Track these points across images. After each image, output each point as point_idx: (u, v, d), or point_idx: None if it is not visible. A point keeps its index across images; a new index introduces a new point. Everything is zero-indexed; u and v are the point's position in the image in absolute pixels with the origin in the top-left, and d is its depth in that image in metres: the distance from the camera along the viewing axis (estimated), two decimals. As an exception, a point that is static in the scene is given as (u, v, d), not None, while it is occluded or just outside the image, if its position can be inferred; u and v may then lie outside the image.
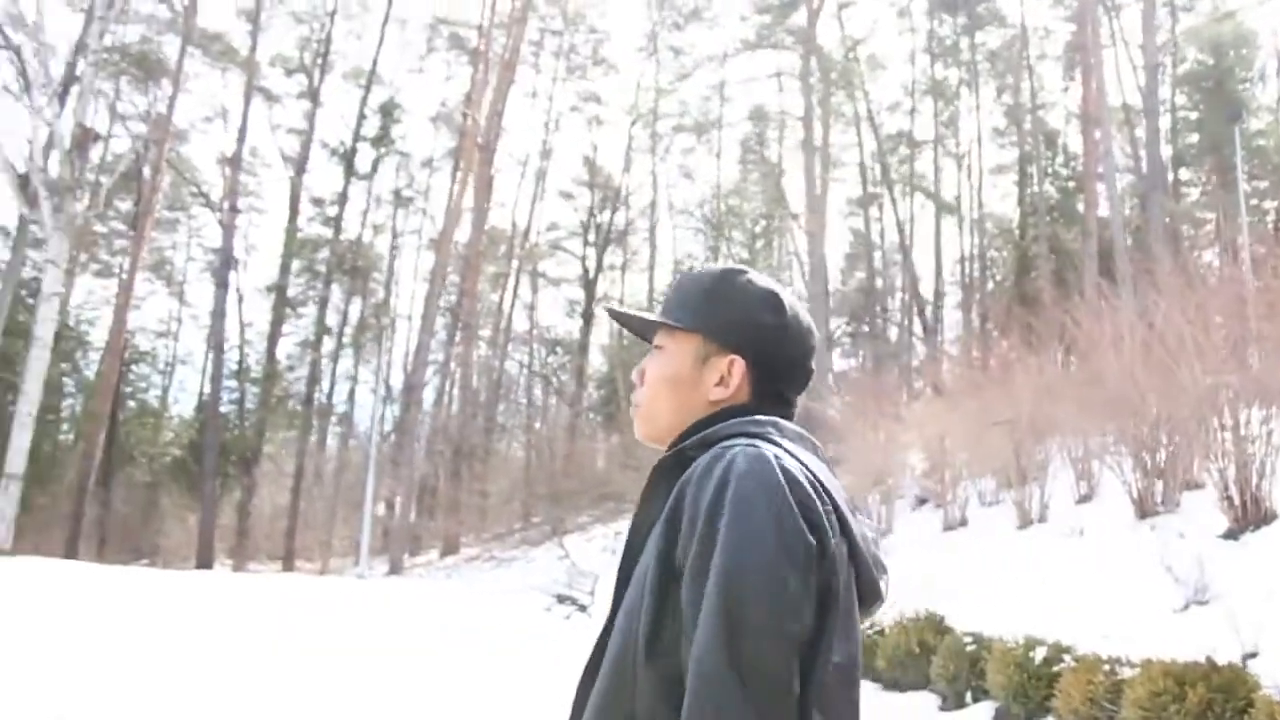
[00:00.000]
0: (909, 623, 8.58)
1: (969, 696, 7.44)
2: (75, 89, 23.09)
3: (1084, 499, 13.45)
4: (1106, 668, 6.11)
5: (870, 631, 9.27)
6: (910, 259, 38.47)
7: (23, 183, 22.92)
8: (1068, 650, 6.72)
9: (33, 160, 22.16)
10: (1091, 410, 13.32)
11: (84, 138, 23.20)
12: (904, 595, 11.31)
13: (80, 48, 22.99)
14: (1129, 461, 11.72)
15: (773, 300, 1.56)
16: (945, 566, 12.75)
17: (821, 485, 1.38)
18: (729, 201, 42.38)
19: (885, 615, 9.48)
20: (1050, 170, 38.06)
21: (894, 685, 8.47)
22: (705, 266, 1.68)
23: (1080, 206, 34.27)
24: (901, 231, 38.82)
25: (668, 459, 1.46)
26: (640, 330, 1.68)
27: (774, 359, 1.55)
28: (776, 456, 1.34)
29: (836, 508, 1.37)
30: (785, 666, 1.25)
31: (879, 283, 41.40)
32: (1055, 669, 6.58)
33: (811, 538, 1.30)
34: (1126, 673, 5.93)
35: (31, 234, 26.71)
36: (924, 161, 41.12)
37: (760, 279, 1.59)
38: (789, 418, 1.54)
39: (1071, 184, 37.20)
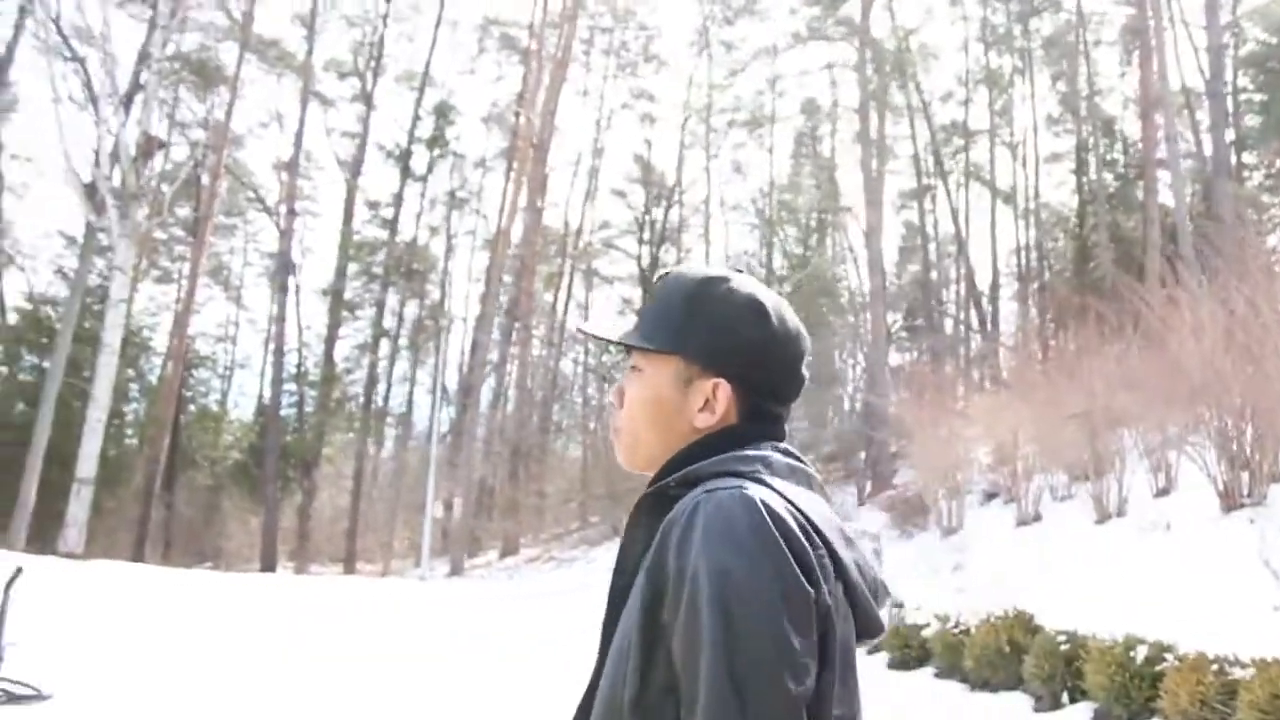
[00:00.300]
0: (997, 621, 8.41)
1: (1065, 697, 7.27)
2: (139, 98, 23.43)
3: (1162, 492, 13.12)
4: (1215, 667, 5.94)
5: (955, 631, 9.14)
6: (966, 251, 37.99)
7: (89, 191, 23.31)
8: (1169, 649, 6.55)
9: (99, 168, 22.52)
10: (1168, 400, 13.02)
11: (149, 146, 23.53)
12: (982, 593, 11.18)
13: (144, 57, 23.32)
14: (1212, 453, 11.44)
15: (757, 309, 1.43)
16: (1021, 563, 12.55)
17: (813, 525, 1.26)
18: (782, 196, 42.13)
19: (968, 614, 9.34)
20: (1108, 158, 37.40)
21: (983, 685, 8.32)
22: (682, 271, 1.50)
23: (1140, 194, 33.63)
24: (957, 223, 38.35)
25: (649, 497, 1.35)
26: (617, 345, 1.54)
27: (762, 374, 1.43)
28: (764, 502, 1.22)
29: (829, 547, 1.27)
30: None
31: (933, 276, 40.89)
32: (1158, 669, 6.41)
33: (810, 588, 1.20)
34: (1238, 673, 5.76)
35: (96, 241, 27.21)
36: (978, 151, 40.64)
37: (743, 285, 1.45)
38: (780, 435, 1.43)
39: (1131, 171, 36.53)
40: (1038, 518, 15.05)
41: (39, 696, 6.78)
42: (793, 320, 1.46)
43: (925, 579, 13.23)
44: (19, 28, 26.39)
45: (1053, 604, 8.95)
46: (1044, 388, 17.02)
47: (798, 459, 1.39)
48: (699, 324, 1.41)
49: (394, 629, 13.82)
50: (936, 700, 8.46)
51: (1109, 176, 36.78)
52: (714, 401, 1.39)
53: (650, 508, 1.33)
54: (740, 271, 1.50)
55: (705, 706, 1.16)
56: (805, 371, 1.48)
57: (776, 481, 1.30)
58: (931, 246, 41.19)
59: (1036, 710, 7.51)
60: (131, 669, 8.86)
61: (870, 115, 31.90)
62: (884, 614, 1.35)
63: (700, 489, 1.27)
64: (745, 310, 1.42)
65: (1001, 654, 8.12)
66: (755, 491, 1.24)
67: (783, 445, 1.40)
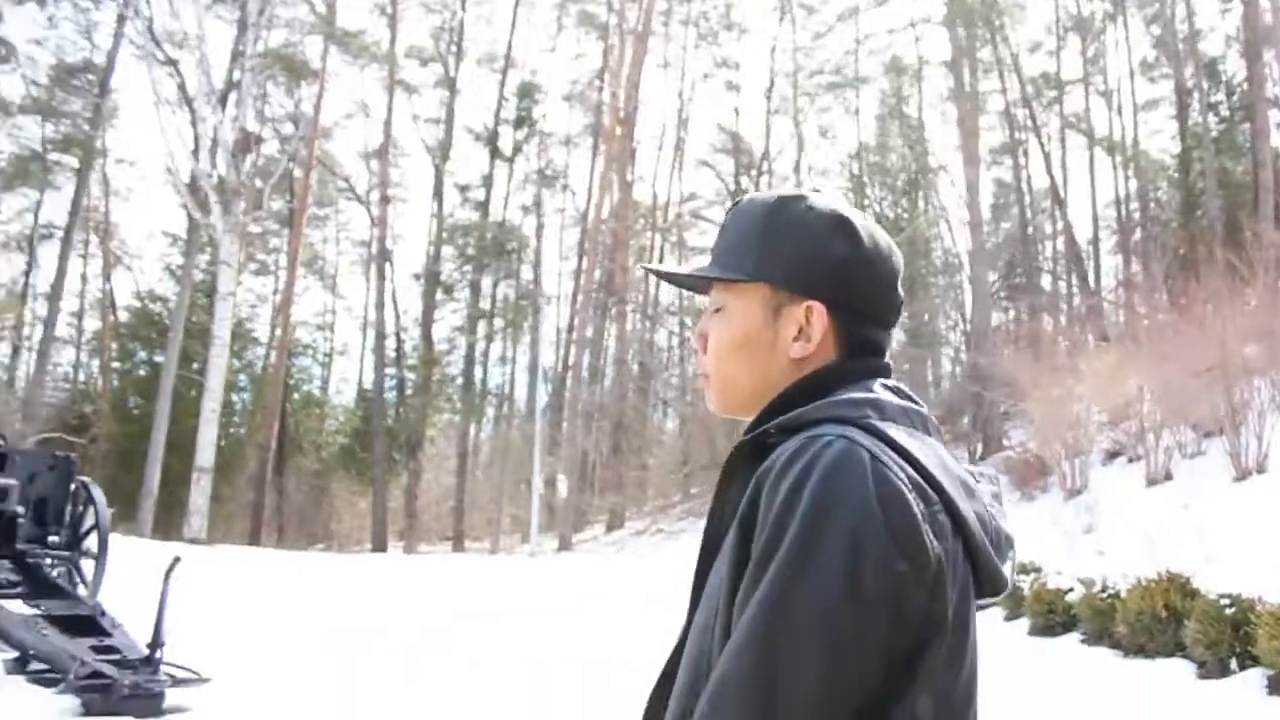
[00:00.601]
0: (1150, 585, 8.14)
1: (1234, 664, 7.01)
2: (233, 96, 23.90)
3: (1305, 445, 12.63)
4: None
5: (1103, 595, 8.88)
6: (1065, 205, 37.02)
7: (192, 189, 23.88)
8: (1349, 610, 6.27)
9: (200, 167, 23.05)
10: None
11: (246, 142, 24.01)
12: (1122, 555, 10.86)
13: (236, 56, 23.77)
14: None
15: (843, 225, 1.29)
16: (1159, 524, 12.17)
17: (929, 477, 1.13)
18: (870, 159, 41.48)
19: (1114, 577, 9.07)
20: (1211, 101, 36.00)
21: (1139, 651, 8.05)
22: (754, 197, 1.36)
23: (1247, 137, 32.34)
24: (1052, 177, 37.33)
25: (746, 444, 1.22)
26: (693, 287, 1.41)
27: (858, 296, 1.29)
28: (873, 456, 1.10)
29: (947, 501, 1.13)
30: None
31: (1029, 232, 39.91)
32: (1340, 631, 6.14)
33: (902, 564, 1.06)
34: None
35: (200, 238, 27.92)
36: (1071, 102, 39.48)
37: (822, 201, 1.31)
38: (886, 369, 1.30)
39: (1237, 114, 35.13)
40: (1169, 476, 14.59)
41: (200, 680, 6.94)
42: (884, 238, 1.32)
43: (1056, 542, 12.92)
44: (118, 37, 27.17)
45: (1204, 567, 8.64)
46: (1167, 340, 16.49)
47: (911, 399, 1.26)
48: (781, 245, 1.29)
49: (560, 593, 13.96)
50: (1089, 667, 8.25)
51: (1213, 120, 35.48)
52: (809, 327, 1.27)
53: (747, 456, 1.21)
54: (818, 191, 1.35)
55: (718, 686, 1.06)
56: (901, 294, 1.34)
57: (889, 427, 1.17)
58: (1025, 202, 40.28)
59: (1201, 678, 7.24)
60: (273, 649, 9.07)
61: (964, 70, 31.14)
62: (1007, 568, 1.22)
63: (802, 435, 1.14)
64: (830, 226, 1.29)
65: (1158, 619, 7.84)
66: (863, 441, 1.12)
67: (892, 383, 1.28)
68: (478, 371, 38.70)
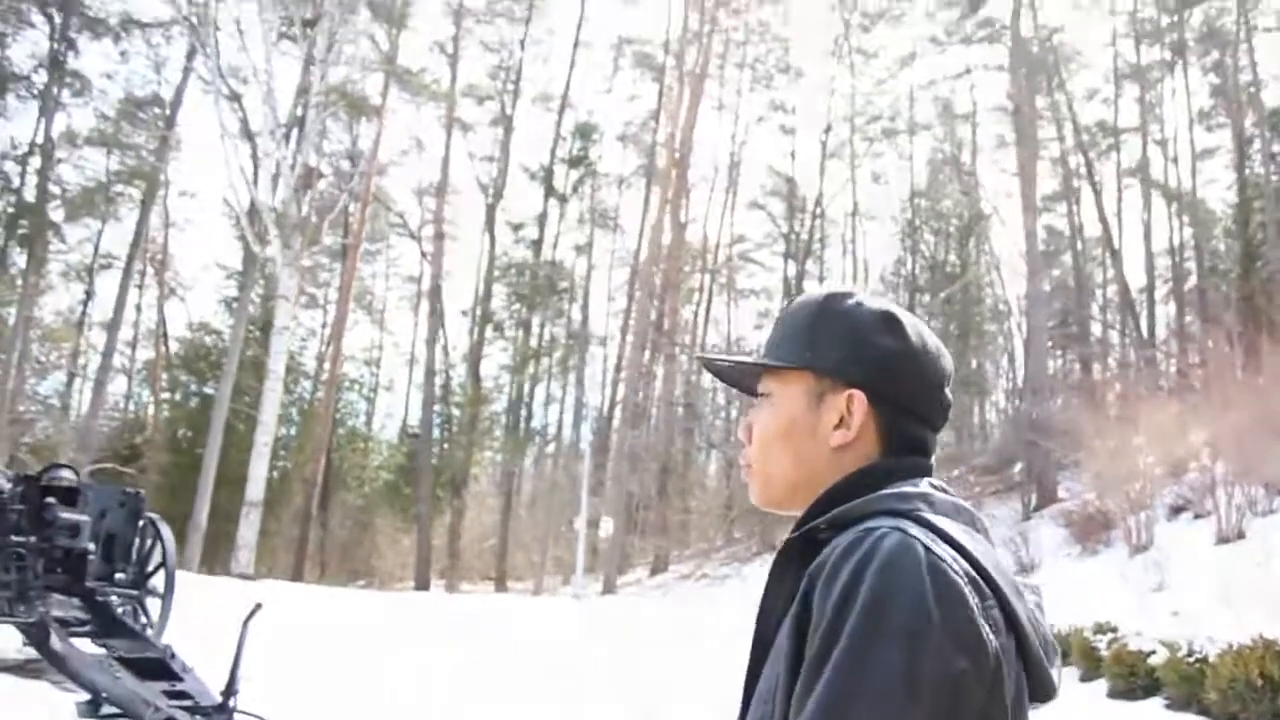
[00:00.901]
0: (1244, 650, 7.85)
1: (1339, 737, 6.74)
2: (295, 131, 24.22)
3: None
4: None
5: (1190, 660, 8.60)
6: (1120, 254, 36.67)
7: (252, 222, 24.15)
8: None
9: (261, 201, 23.32)
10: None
11: (309, 178, 24.29)
12: (1200, 617, 10.54)
13: (302, 91, 24.10)
14: None
15: (890, 320, 1.30)
16: (1236, 585, 11.83)
17: (983, 573, 1.12)
18: (920, 203, 41.36)
19: (1201, 639, 8.78)
20: (1273, 151, 35.57)
21: (1231, 721, 7.79)
22: (806, 293, 1.39)
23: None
24: (1106, 225, 37.04)
25: (795, 540, 1.21)
26: (740, 380, 1.43)
27: (902, 391, 1.29)
28: (927, 549, 1.08)
29: (1001, 598, 1.12)
30: None
31: (1070, 281, 39.54)
32: None
33: (962, 662, 1.04)
34: None
35: (256, 271, 28.23)
36: (1127, 150, 39.21)
37: (871, 300, 1.33)
38: (931, 471, 1.28)
39: (1297, 164, 34.64)
40: (1241, 535, 14.21)
41: (273, 729, 6.84)
42: (932, 339, 1.34)
43: (1124, 599, 12.60)
44: (187, 71, 27.73)
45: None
46: (1235, 392, 16.15)
47: (958, 498, 1.25)
48: (826, 335, 1.31)
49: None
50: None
51: (1273, 170, 35.05)
52: (849, 417, 1.27)
53: (797, 553, 1.21)
54: (866, 291, 1.39)
55: None
56: (949, 396, 1.34)
57: (942, 521, 1.16)
58: (1078, 249, 39.93)
59: (1302, 751, 6.99)
60: (341, 694, 8.96)
61: (1024, 117, 31.11)
62: (1055, 673, 1.20)
63: (854, 529, 1.13)
64: (877, 320, 1.31)
65: (1253, 687, 7.57)
66: (917, 534, 1.10)
67: (939, 482, 1.26)
68: (524, 411, 38.76)
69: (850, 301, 1.33)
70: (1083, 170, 37.50)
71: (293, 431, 39.29)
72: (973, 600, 1.08)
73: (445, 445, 37.75)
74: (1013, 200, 36.16)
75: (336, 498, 38.13)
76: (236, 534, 23.83)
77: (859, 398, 1.27)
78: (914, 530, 1.11)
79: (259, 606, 7.00)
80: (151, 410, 36.77)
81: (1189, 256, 38.01)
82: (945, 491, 1.24)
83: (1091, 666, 9.87)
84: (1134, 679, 9.17)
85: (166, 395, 37.31)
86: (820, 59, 40.60)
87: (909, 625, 1.04)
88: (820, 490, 1.26)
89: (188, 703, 6.84)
